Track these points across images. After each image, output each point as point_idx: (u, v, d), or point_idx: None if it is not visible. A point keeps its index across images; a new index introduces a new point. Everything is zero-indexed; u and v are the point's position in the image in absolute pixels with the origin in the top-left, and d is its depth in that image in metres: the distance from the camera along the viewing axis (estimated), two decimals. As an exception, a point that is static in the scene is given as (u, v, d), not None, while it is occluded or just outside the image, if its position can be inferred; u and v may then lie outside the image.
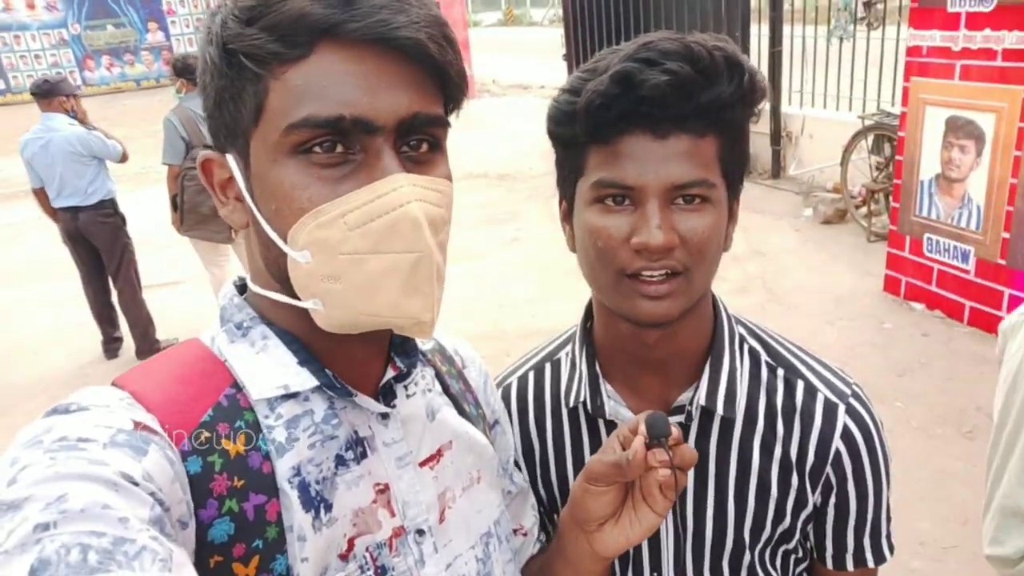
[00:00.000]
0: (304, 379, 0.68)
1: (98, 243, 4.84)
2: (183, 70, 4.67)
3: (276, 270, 0.66)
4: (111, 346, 5.10)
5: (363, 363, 0.73)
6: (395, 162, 0.62)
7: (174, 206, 4.66)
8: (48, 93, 4.68)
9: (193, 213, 4.57)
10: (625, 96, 0.79)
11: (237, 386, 0.67)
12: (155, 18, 20.28)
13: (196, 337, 0.72)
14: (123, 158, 4.97)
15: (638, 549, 0.97)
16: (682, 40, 0.80)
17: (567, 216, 0.93)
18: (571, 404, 0.98)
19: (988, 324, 4.25)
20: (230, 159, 0.66)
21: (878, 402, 1.00)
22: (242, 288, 0.75)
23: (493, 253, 6.48)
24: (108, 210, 4.83)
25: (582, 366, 0.98)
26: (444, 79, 0.66)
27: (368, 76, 0.61)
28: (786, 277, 5.37)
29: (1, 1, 18.71)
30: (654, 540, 0.96)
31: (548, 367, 1.05)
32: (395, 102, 0.62)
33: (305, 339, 0.69)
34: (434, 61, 0.63)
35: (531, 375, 1.06)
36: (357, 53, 0.61)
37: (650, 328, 0.87)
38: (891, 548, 0.99)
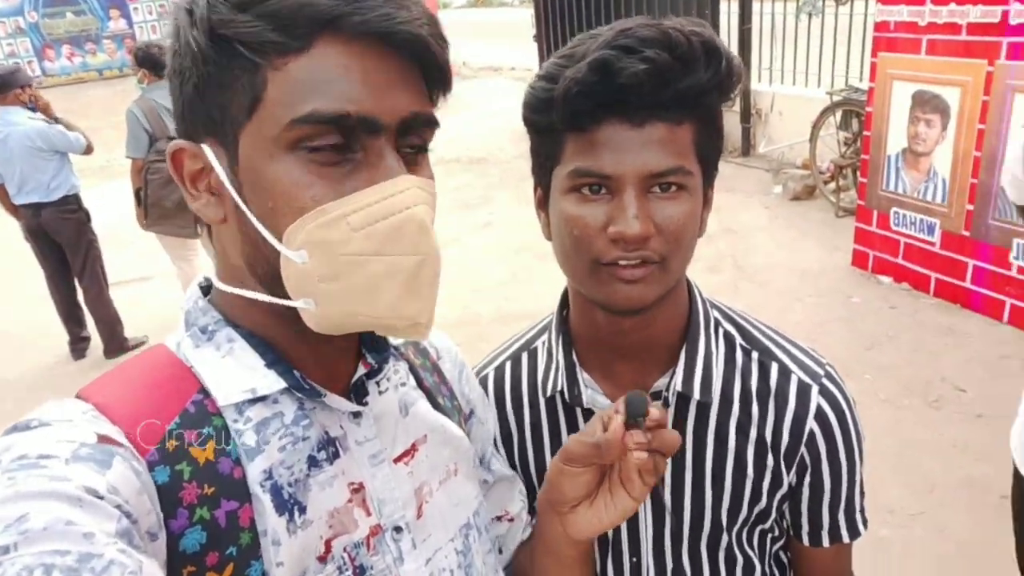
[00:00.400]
0: (271, 381, 0.66)
1: (62, 240, 4.72)
2: (145, 59, 4.54)
3: (264, 268, 0.64)
4: (78, 346, 4.99)
5: (333, 362, 0.72)
6: (398, 163, 0.61)
7: (138, 200, 4.55)
8: (3, 87, 4.52)
9: (157, 207, 4.48)
10: (603, 84, 0.78)
11: (205, 392, 0.65)
12: (117, 5, 19.83)
13: (162, 343, 0.70)
14: (87, 150, 4.82)
15: (617, 533, 0.98)
16: (660, 26, 0.79)
17: (542, 203, 0.92)
18: (548, 393, 0.98)
19: (953, 295, 4.33)
20: (206, 150, 0.63)
21: (847, 376, 1.02)
22: (206, 289, 0.73)
23: (466, 237, 6.47)
24: (72, 206, 4.69)
25: (558, 355, 0.98)
26: (439, 78, 0.65)
27: (370, 73, 0.59)
28: (756, 254, 5.41)
29: (-46, -10, 18.17)
30: (633, 524, 0.97)
31: (525, 356, 1.05)
32: (397, 101, 0.61)
33: (272, 340, 0.68)
34: (434, 59, 0.62)
35: (508, 365, 1.06)
36: (359, 48, 0.59)
37: (625, 314, 0.87)
38: (865, 523, 1.01)
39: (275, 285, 0.64)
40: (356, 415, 0.73)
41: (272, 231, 0.61)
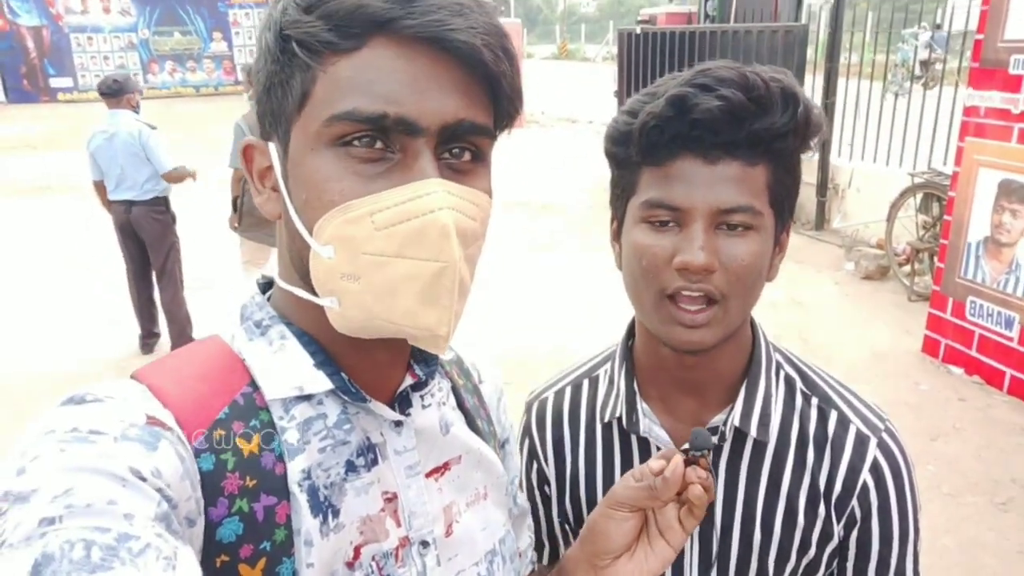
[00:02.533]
0: (319, 381, 0.67)
1: (147, 238, 4.96)
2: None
3: (299, 263, 0.65)
4: (148, 341, 5.19)
5: (382, 369, 0.72)
6: (432, 166, 0.60)
7: (234, 207, 4.78)
8: (118, 92, 4.81)
9: (251, 215, 4.67)
10: (678, 119, 0.81)
11: (254, 385, 0.66)
12: (220, 27, 20.99)
13: (216, 334, 0.71)
14: (175, 177, 4.89)
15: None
16: (739, 69, 0.82)
17: (616, 235, 0.94)
18: (606, 419, 0.99)
19: (1030, 394, 4.13)
20: (271, 147, 0.65)
21: (909, 463, 0.98)
22: (265, 287, 0.75)
23: (530, 280, 6.50)
24: (161, 207, 4.94)
25: (620, 383, 0.99)
26: (496, 90, 0.64)
27: (417, 76, 0.59)
28: (822, 329, 5.29)
29: (80, 4, 19.55)
30: (678, 564, 0.97)
31: (586, 383, 1.07)
32: (441, 106, 0.60)
33: (324, 341, 0.68)
34: (487, 69, 0.61)
35: (568, 390, 1.07)
36: (410, 51, 0.59)
37: (687, 354, 0.88)
38: None
39: (309, 281, 0.64)
40: (398, 424, 0.72)
41: (306, 225, 0.62)
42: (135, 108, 4.90)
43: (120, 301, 5.31)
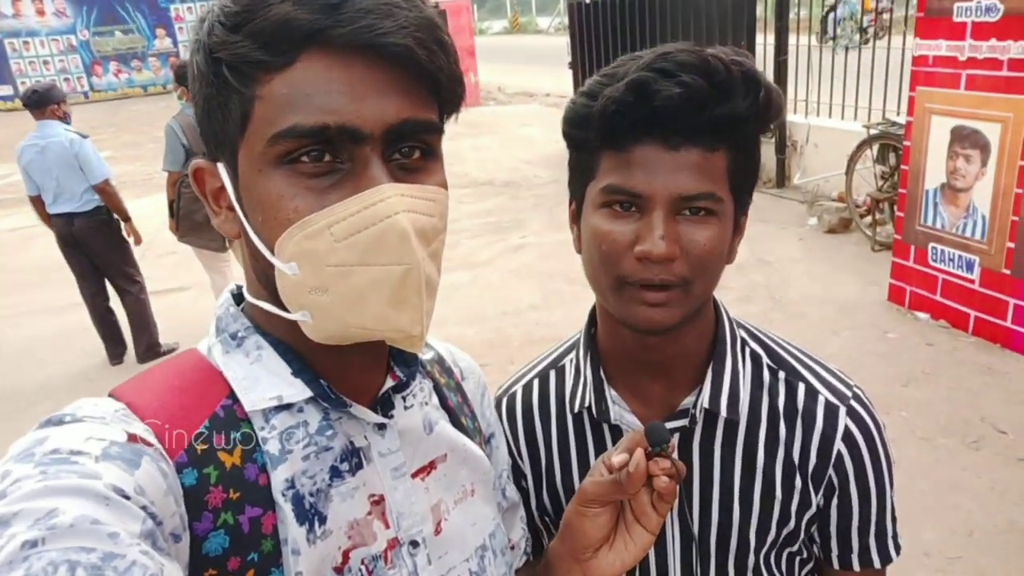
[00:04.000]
0: (298, 390, 0.67)
1: (94, 249, 4.78)
2: (183, 77, 4.65)
3: (265, 281, 0.65)
4: (116, 351, 5.09)
5: (361, 373, 0.72)
6: (382, 171, 0.60)
7: (171, 212, 4.66)
8: (40, 103, 4.63)
9: (187, 220, 4.57)
10: (639, 105, 0.80)
11: (233, 397, 0.66)
12: (163, 24, 20.45)
13: (194, 347, 0.72)
14: (103, 185, 4.70)
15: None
16: (700, 53, 0.80)
17: (575, 217, 0.93)
18: (576, 409, 0.99)
19: (993, 334, 4.24)
20: (220, 168, 0.65)
21: (882, 412, 1.00)
22: (239, 297, 0.74)
23: (498, 261, 6.48)
24: (103, 216, 4.77)
25: (587, 371, 0.98)
26: (436, 84, 0.63)
27: (354, 83, 0.59)
28: (790, 286, 5.36)
29: (11, 7, 18.87)
30: (661, 544, 0.97)
31: (552, 374, 1.06)
32: (382, 109, 0.60)
33: (300, 349, 0.68)
34: (422, 67, 0.61)
35: (536, 382, 1.07)
36: (343, 60, 0.59)
37: (649, 334, 0.88)
38: (898, 548, 0.99)
39: (277, 297, 0.64)
40: (381, 427, 0.72)
41: (266, 244, 0.62)
42: (63, 118, 4.72)
43: (84, 313, 5.19)
